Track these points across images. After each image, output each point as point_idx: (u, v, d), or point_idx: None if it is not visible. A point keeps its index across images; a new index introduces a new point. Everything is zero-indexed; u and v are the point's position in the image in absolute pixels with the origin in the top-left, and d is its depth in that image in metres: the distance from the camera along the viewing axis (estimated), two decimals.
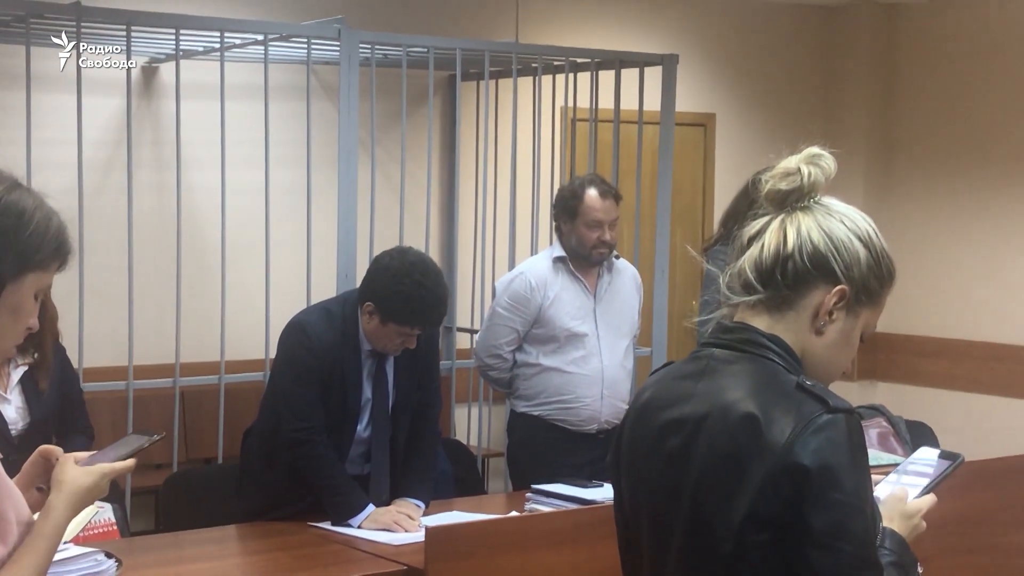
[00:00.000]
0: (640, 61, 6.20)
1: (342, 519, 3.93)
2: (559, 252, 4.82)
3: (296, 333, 4.03)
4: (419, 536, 3.61)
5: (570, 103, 6.20)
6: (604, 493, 4.11)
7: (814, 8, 8.35)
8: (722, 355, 1.94)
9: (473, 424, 6.35)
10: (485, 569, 3.42)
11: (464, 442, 5.82)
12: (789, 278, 1.91)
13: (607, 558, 3.62)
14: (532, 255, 5.53)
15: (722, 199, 6.73)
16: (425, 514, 4.02)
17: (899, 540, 1.96)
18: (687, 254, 7.76)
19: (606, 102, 6.20)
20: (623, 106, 6.15)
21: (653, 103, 6.17)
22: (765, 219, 1.97)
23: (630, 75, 6.18)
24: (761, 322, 1.94)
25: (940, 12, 8.04)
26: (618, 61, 6.19)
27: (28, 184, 1.83)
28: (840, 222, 1.93)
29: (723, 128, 8.04)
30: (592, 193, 4.74)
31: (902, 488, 2.06)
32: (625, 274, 4.98)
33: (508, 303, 4.79)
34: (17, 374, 4.09)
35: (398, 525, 3.87)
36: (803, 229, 1.92)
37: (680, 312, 7.75)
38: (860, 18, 8.24)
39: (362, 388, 4.04)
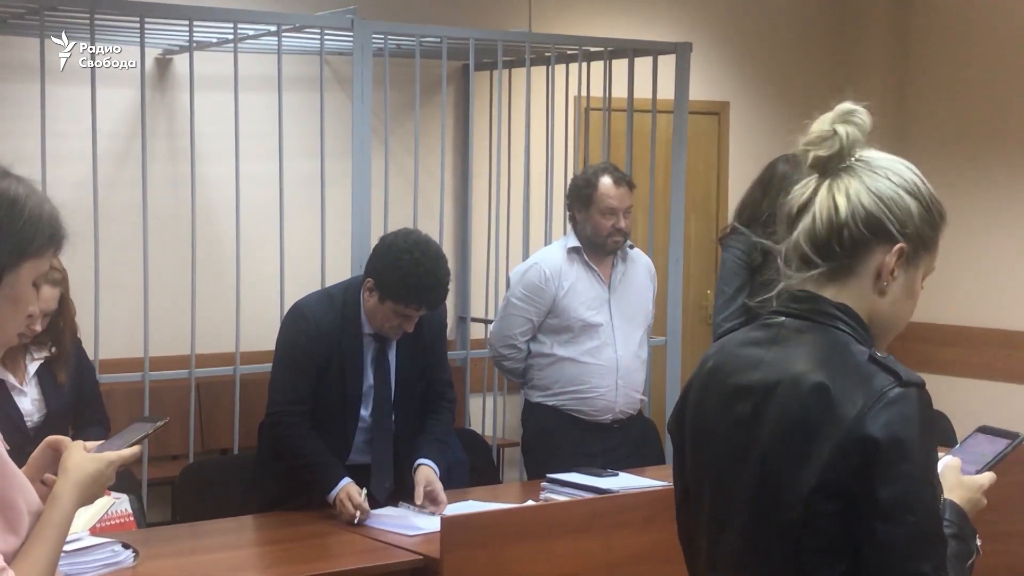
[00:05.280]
0: (653, 50, 6.19)
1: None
2: (573, 242, 4.82)
3: (295, 317, 4.07)
4: (435, 525, 3.62)
5: (583, 92, 6.19)
6: (619, 482, 4.12)
7: None
8: (793, 324, 1.93)
9: (488, 414, 6.35)
10: (500, 558, 3.42)
11: (479, 432, 5.82)
12: (847, 246, 1.90)
13: (622, 547, 3.64)
14: (546, 245, 5.53)
15: (737, 188, 6.71)
16: None
17: (959, 511, 1.94)
18: (702, 243, 7.78)
19: (619, 91, 6.19)
20: (637, 95, 6.13)
21: (667, 92, 6.15)
22: (810, 187, 1.94)
23: (643, 64, 6.16)
24: (827, 292, 1.93)
25: None
26: (631, 50, 6.17)
27: (43, 176, 1.83)
28: (886, 178, 1.90)
29: (737, 116, 8.02)
30: (606, 181, 4.74)
31: (955, 458, 2.04)
32: (639, 264, 4.97)
33: (523, 293, 4.78)
34: (34, 367, 4.09)
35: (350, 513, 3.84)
36: (852, 194, 1.90)
37: (695, 301, 7.74)
38: (874, 3, 8.20)
39: (363, 373, 4.03)
